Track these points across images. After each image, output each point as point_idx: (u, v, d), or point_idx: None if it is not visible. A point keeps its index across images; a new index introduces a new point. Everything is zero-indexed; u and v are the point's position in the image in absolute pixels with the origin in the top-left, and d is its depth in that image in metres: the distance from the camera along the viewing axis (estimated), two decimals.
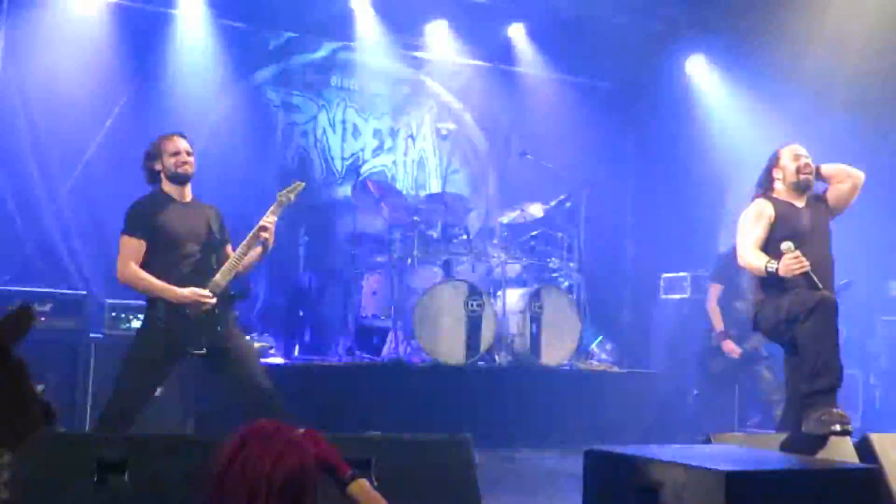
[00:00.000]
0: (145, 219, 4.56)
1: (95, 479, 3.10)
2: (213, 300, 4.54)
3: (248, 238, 4.65)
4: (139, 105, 8.02)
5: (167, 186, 4.69)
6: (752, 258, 4.59)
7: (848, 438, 4.28)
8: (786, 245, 4.48)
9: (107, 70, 7.95)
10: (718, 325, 7.21)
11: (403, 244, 7.88)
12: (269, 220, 4.67)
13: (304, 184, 4.93)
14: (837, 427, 4.10)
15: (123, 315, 6.66)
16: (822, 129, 7.14)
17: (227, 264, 4.65)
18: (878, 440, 4.32)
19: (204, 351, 4.53)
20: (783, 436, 4.34)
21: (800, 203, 4.80)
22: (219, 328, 4.55)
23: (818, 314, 4.26)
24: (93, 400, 6.23)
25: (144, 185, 4.78)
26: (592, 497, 3.53)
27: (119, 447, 3.26)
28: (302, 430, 2.45)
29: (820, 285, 4.43)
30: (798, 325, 4.34)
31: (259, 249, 4.73)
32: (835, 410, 4.13)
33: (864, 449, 4.26)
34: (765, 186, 4.87)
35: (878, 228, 7.96)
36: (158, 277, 4.52)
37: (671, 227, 9.36)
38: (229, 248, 4.83)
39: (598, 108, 9.98)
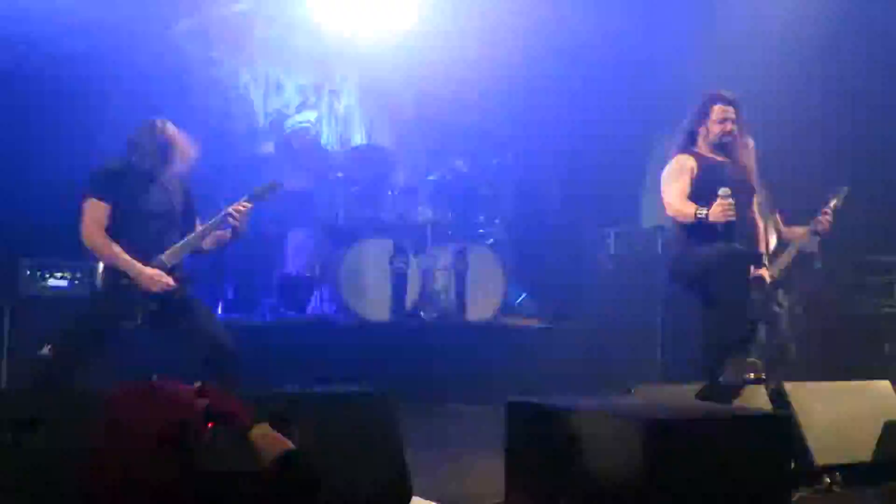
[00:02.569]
0: (113, 183, 4.50)
1: (10, 437, 3.04)
2: (171, 283, 4.50)
3: (210, 222, 4.67)
4: (51, 57, 7.73)
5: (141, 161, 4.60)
6: (681, 205, 4.63)
7: (763, 387, 4.40)
8: (723, 190, 4.51)
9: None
10: None
11: (328, 200, 7.81)
12: (237, 208, 4.65)
13: (281, 184, 5.04)
14: (751, 375, 4.20)
15: (40, 273, 6.49)
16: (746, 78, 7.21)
17: (178, 245, 4.60)
18: (792, 388, 4.47)
19: (139, 322, 4.51)
20: (701, 386, 4.44)
21: (722, 158, 4.85)
22: (156, 307, 4.50)
23: (731, 267, 4.35)
24: (9, 360, 6.08)
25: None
26: (515, 447, 3.57)
27: (34, 405, 3.19)
28: (196, 384, 2.46)
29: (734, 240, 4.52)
30: (712, 278, 4.42)
31: (225, 233, 4.73)
32: (748, 359, 4.24)
33: (778, 397, 4.39)
34: (687, 141, 4.88)
35: (799, 182, 8.11)
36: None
37: (596, 184, 9.44)
38: (197, 220, 4.81)
39: (524, 64, 9.95)
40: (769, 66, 8.10)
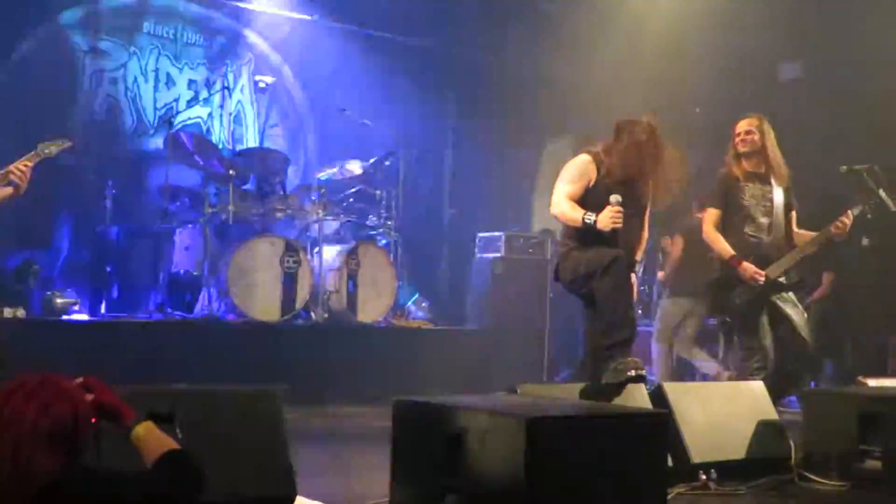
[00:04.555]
0: None
1: None
2: None
3: None
4: None
5: None
6: (568, 209, 4.65)
7: (643, 387, 4.52)
8: (614, 198, 4.54)
9: None
10: (726, 250, 5.46)
11: (218, 198, 7.69)
12: (21, 166, 4.55)
13: (70, 143, 4.87)
14: (632, 373, 4.31)
15: None
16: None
17: None
18: (670, 388, 4.62)
19: None
20: (584, 385, 4.53)
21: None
22: None
23: (613, 271, 4.45)
24: None
25: None
26: (401, 445, 3.59)
27: None
28: (79, 379, 2.41)
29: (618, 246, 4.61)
30: (595, 280, 4.52)
31: (8, 191, 4.61)
32: (629, 359, 4.35)
33: (658, 396, 4.53)
34: (605, 147, 4.79)
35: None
36: None
37: (487, 187, 9.57)
38: None
39: (418, 67, 10.01)
40: None
